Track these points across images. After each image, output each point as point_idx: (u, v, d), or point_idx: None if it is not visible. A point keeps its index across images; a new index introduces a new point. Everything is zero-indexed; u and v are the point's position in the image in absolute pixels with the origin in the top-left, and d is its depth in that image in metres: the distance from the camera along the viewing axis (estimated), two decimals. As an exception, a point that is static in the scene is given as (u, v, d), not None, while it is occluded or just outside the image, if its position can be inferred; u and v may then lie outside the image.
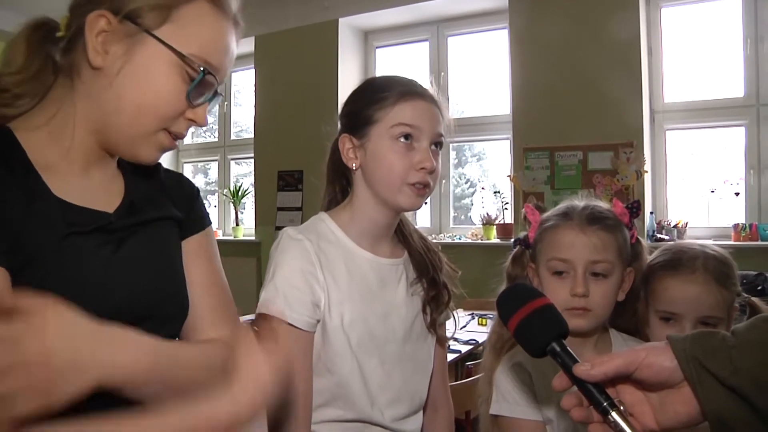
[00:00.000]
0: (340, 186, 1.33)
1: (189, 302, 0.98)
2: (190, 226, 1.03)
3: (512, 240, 1.38)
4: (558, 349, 0.81)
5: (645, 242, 1.34)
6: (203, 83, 0.90)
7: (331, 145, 1.31)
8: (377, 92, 1.23)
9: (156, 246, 0.96)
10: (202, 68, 0.89)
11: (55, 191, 0.86)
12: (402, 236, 1.35)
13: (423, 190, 1.21)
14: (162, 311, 0.94)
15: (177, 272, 0.98)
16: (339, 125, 1.30)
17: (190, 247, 1.02)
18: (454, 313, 1.40)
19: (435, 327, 1.33)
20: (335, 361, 1.21)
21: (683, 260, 1.26)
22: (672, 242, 1.39)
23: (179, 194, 1.04)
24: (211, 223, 1.08)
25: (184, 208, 1.03)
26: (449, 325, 1.42)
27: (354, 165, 1.24)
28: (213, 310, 1.00)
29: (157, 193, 1.00)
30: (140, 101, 0.88)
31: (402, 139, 1.19)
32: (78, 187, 0.90)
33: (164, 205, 1.00)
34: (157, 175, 1.03)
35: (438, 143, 1.23)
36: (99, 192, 0.93)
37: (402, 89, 1.22)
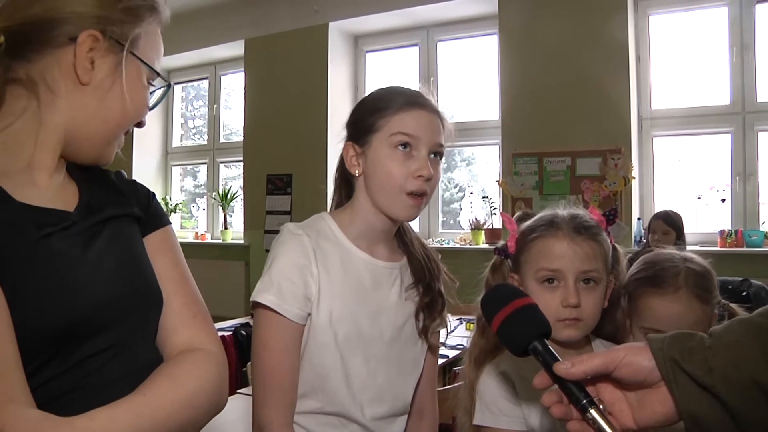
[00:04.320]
0: (346, 192, 1.36)
1: (162, 295, 0.99)
2: (150, 223, 1.04)
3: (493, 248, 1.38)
4: (540, 347, 0.82)
5: (621, 249, 1.35)
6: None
7: (340, 154, 1.35)
8: (380, 102, 1.27)
9: (122, 242, 0.96)
10: (167, 81, 1.04)
11: (14, 196, 0.86)
12: (402, 242, 1.37)
13: (419, 199, 1.23)
14: (141, 306, 0.94)
15: (146, 266, 0.99)
16: (345, 134, 1.34)
17: (152, 243, 1.02)
18: (449, 321, 1.41)
19: (427, 334, 1.34)
20: (317, 353, 1.23)
21: (666, 277, 1.28)
22: (652, 252, 1.39)
23: (135, 195, 1.05)
24: (170, 223, 1.10)
25: (141, 206, 1.04)
26: (442, 332, 1.42)
27: (357, 171, 1.28)
28: (186, 305, 1.00)
29: (112, 194, 1.01)
30: (126, 111, 0.97)
31: (400, 148, 1.22)
32: (35, 192, 0.90)
33: (121, 203, 1.01)
34: (108, 179, 1.05)
35: (438, 153, 1.26)
36: (55, 194, 0.93)
37: (403, 100, 1.25)
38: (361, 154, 1.27)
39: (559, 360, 0.79)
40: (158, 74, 1.01)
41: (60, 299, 0.82)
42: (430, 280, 1.33)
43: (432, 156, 1.25)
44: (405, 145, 1.22)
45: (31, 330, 0.78)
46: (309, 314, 1.22)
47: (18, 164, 0.90)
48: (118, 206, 0.99)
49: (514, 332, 0.85)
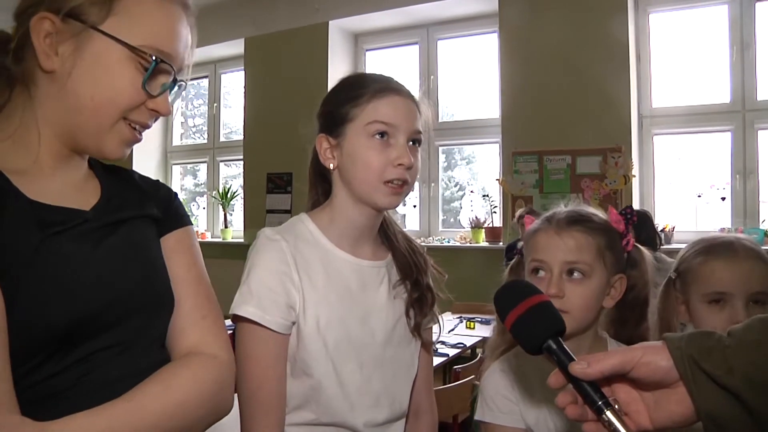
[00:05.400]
0: (322, 189, 1.29)
1: (174, 297, 0.97)
2: (168, 224, 1.02)
3: (505, 245, 1.38)
4: (554, 346, 0.80)
5: (646, 250, 1.31)
6: (158, 72, 0.90)
7: (313, 148, 1.28)
8: (352, 90, 1.21)
9: (135, 242, 0.95)
10: (154, 58, 0.88)
11: (27, 194, 0.85)
12: (386, 238, 1.31)
13: (400, 187, 1.18)
14: (146, 307, 0.93)
15: (158, 266, 0.97)
16: (316, 126, 1.26)
17: (169, 243, 1.00)
18: (440, 316, 1.35)
19: (419, 331, 1.29)
20: (309, 364, 1.17)
21: (720, 246, 1.29)
22: (700, 238, 1.39)
23: (156, 195, 1.03)
24: (191, 224, 1.07)
25: (161, 207, 1.02)
26: (434, 328, 1.37)
27: (331, 165, 1.21)
28: (196, 308, 0.99)
29: (134, 194, 1.00)
30: (97, 97, 0.87)
31: (378, 136, 1.16)
32: (51, 188, 0.89)
33: (141, 204, 0.99)
34: (132, 179, 1.03)
35: (416, 140, 1.20)
36: (73, 192, 0.92)
37: (377, 86, 1.19)
38: (336, 146, 1.20)
39: (574, 359, 0.77)
40: (130, 47, 0.86)
41: (60, 301, 0.81)
42: (417, 275, 1.27)
43: (410, 143, 1.18)
44: (382, 134, 1.16)
45: (31, 331, 0.78)
46: (293, 323, 1.16)
47: (27, 161, 0.89)
48: (138, 207, 0.98)
49: (528, 331, 0.84)
